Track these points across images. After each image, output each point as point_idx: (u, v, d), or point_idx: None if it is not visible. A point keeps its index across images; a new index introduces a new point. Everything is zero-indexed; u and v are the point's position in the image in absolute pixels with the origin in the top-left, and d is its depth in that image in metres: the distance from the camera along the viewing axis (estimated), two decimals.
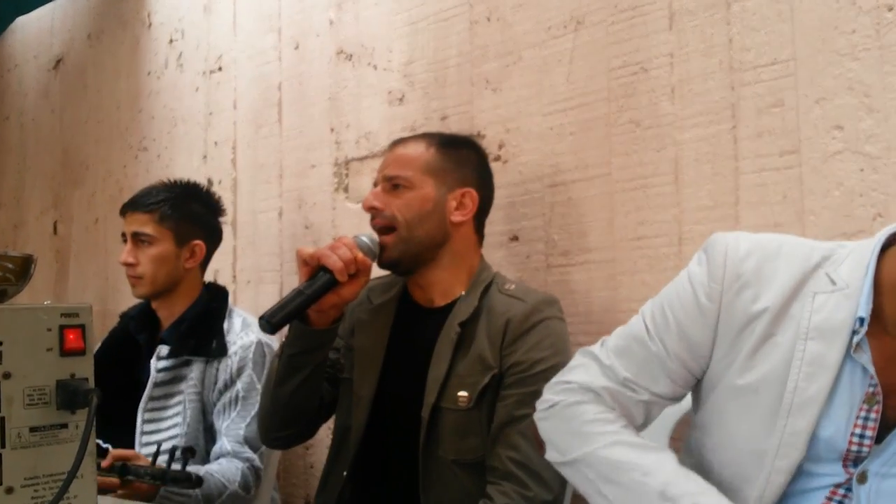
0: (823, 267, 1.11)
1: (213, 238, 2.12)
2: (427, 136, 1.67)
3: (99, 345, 2.11)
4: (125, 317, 2.13)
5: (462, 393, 1.49)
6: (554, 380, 1.25)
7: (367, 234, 1.57)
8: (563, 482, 1.48)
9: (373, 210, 1.59)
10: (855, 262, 1.09)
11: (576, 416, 1.18)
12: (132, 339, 2.08)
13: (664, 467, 1.11)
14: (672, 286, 1.21)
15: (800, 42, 1.53)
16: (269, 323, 1.43)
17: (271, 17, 2.55)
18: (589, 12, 1.82)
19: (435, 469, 1.49)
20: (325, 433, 2.24)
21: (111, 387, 1.99)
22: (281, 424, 1.64)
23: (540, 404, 1.25)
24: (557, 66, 1.87)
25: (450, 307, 1.59)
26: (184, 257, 2.02)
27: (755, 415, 1.10)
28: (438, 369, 1.51)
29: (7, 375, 0.92)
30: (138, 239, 2.00)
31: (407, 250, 1.57)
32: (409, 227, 1.56)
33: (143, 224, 2.00)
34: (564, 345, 1.54)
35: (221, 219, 2.16)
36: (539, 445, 1.26)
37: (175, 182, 2.12)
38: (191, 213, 2.04)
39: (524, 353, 1.49)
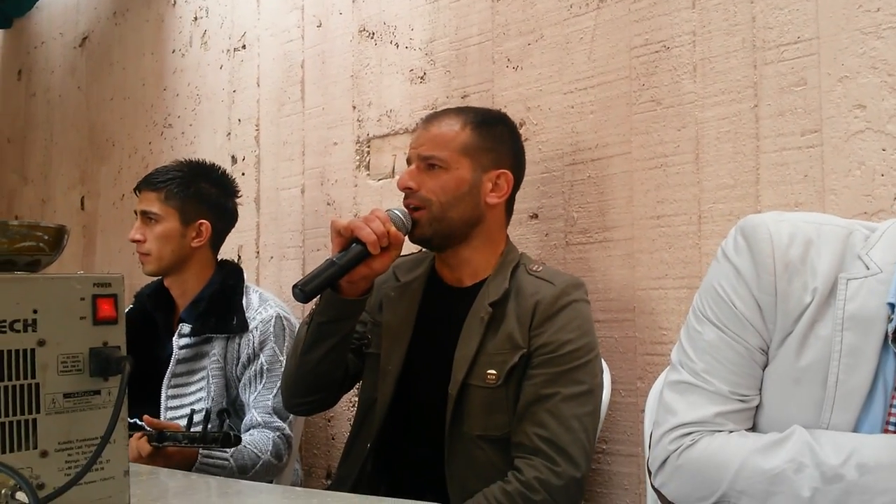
0: (858, 250, 1.07)
1: (223, 218, 2.11)
2: (462, 113, 1.63)
3: None
4: (140, 295, 2.14)
5: (491, 371, 1.50)
6: (654, 434, 1.17)
7: (400, 209, 1.57)
8: (589, 457, 1.48)
9: (408, 190, 1.58)
10: (887, 244, 1.06)
11: (695, 458, 1.11)
12: (149, 317, 2.09)
13: (805, 450, 1.03)
14: (720, 280, 1.14)
15: (823, 20, 1.51)
16: (303, 291, 1.43)
17: None
18: None
19: (460, 443, 1.50)
20: (346, 406, 2.27)
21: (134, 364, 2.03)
22: (305, 391, 1.65)
23: (652, 466, 1.17)
24: (579, 45, 1.85)
25: (478, 287, 1.59)
26: (190, 236, 2.02)
27: (802, 405, 1.08)
28: (468, 347, 1.52)
29: (42, 343, 0.93)
30: (146, 216, 2.01)
31: (439, 229, 1.57)
32: (444, 209, 1.56)
33: (151, 202, 2.01)
34: (590, 327, 1.54)
35: (238, 199, 2.15)
36: None
37: (188, 162, 2.12)
38: (198, 192, 2.04)
39: (552, 335, 1.49)
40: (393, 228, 1.50)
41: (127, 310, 2.13)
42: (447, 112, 1.66)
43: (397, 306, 1.64)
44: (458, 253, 1.61)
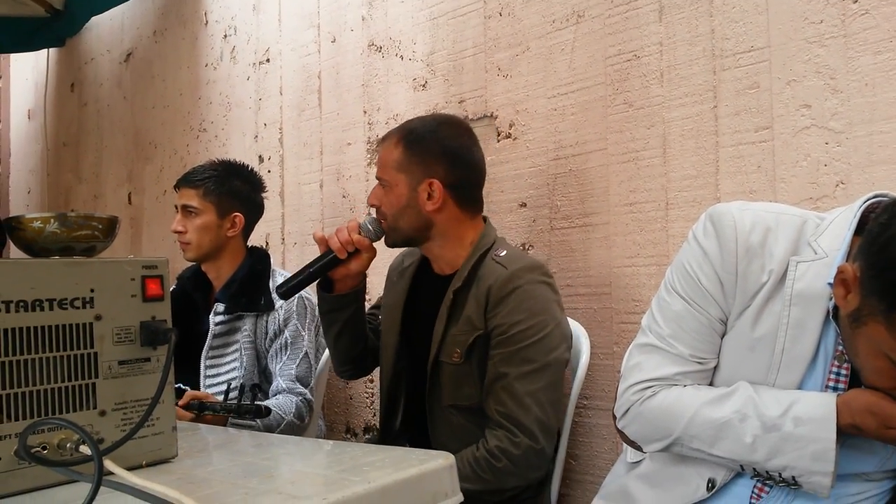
0: (809, 237, 1.08)
1: (253, 211, 2.10)
2: (399, 133, 1.58)
3: None
4: (181, 277, 2.14)
5: (456, 349, 1.48)
6: (621, 388, 1.18)
7: (373, 217, 1.59)
8: (551, 436, 1.44)
9: (372, 206, 1.60)
10: (834, 232, 1.06)
11: (654, 407, 1.12)
12: (189, 296, 2.09)
13: (749, 403, 1.05)
14: (689, 260, 1.14)
15: (774, 31, 1.50)
16: (279, 293, 1.57)
17: (311, 15, 2.53)
18: (588, 7, 1.79)
19: (438, 412, 1.51)
20: None
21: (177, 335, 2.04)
22: (338, 363, 1.72)
23: (617, 412, 1.18)
24: (560, 55, 1.84)
25: (452, 276, 1.56)
26: (225, 227, 2.01)
27: (754, 369, 1.09)
28: (438, 329, 1.52)
29: (98, 318, 0.93)
30: (186, 210, 2.01)
31: (397, 237, 1.58)
32: (395, 219, 1.55)
33: (191, 198, 2.00)
34: (543, 306, 1.45)
35: (264, 193, 2.14)
36: (631, 445, 1.21)
37: (221, 161, 2.10)
38: (232, 189, 2.03)
39: (503, 317, 1.44)
40: (357, 236, 1.53)
41: (171, 289, 2.14)
42: (390, 133, 1.60)
43: (395, 288, 1.67)
44: (428, 249, 1.61)
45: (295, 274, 1.57)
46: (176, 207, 2.05)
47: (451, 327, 1.49)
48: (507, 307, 1.44)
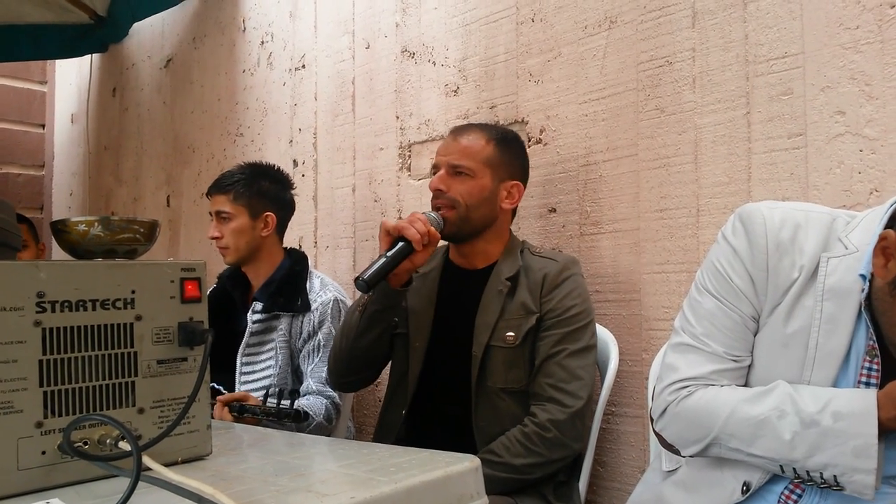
0: (839, 233, 1.08)
1: (284, 208, 2.13)
2: (485, 130, 1.66)
3: None
4: (221, 277, 2.18)
5: (510, 333, 1.55)
6: (657, 389, 1.19)
7: (432, 213, 1.60)
8: (590, 394, 1.52)
9: (438, 191, 1.62)
10: (865, 228, 1.05)
11: (690, 407, 1.12)
12: (228, 295, 2.13)
13: (787, 400, 1.04)
14: (719, 258, 1.15)
15: (808, 37, 1.49)
16: (366, 282, 1.46)
17: (346, 22, 2.56)
18: (621, 12, 1.79)
19: (485, 396, 1.54)
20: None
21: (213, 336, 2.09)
22: (356, 370, 1.69)
23: (654, 413, 1.18)
24: (592, 61, 1.85)
25: (490, 268, 1.64)
26: (259, 228, 2.05)
27: (788, 365, 1.08)
28: (489, 315, 1.56)
29: (139, 318, 0.96)
30: (220, 216, 2.05)
31: (463, 227, 1.61)
32: (469, 209, 1.60)
33: (223, 203, 2.04)
34: (587, 295, 1.61)
35: (294, 191, 2.16)
36: (669, 449, 1.21)
37: (248, 164, 2.13)
38: (260, 189, 2.06)
39: (559, 301, 1.56)
40: (432, 228, 1.54)
41: (210, 290, 2.19)
42: (472, 127, 1.68)
43: (420, 292, 1.68)
44: (474, 245, 1.66)
45: (373, 264, 1.49)
46: (210, 214, 2.09)
47: (505, 313, 1.56)
48: (563, 293, 1.56)
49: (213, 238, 2.07)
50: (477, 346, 1.55)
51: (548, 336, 1.54)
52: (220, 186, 2.06)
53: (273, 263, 2.08)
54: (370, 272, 1.47)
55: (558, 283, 1.57)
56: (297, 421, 1.60)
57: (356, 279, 1.47)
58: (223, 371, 1.99)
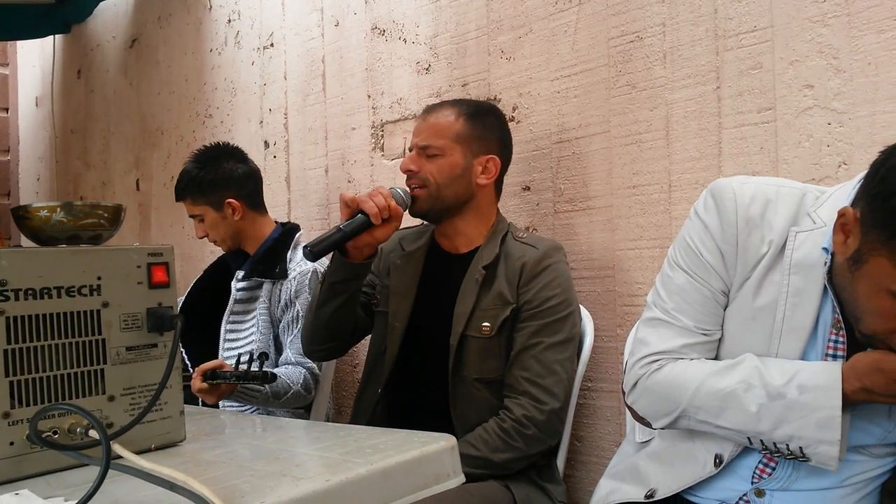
0: (809, 208, 1.09)
1: (244, 186, 2.10)
2: (456, 105, 1.63)
3: (201, 273, 2.27)
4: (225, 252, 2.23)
5: (485, 324, 1.52)
6: (629, 362, 1.20)
7: (402, 187, 1.58)
8: (568, 393, 1.51)
9: (409, 172, 1.60)
10: (834, 203, 1.06)
11: (660, 380, 1.13)
12: (227, 266, 2.18)
13: (754, 373, 1.05)
14: (690, 234, 1.16)
15: (777, 11, 1.49)
16: (312, 252, 1.45)
17: None
18: None
19: (462, 386, 1.53)
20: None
21: (205, 306, 2.10)
22: (321, 339, 1.68)
23: (626, 387, 1.19)
24: (563, 37, 1.84)
25: (472, 253, 1.61)
26: (228, 215, 2.08)
27: (757, 338, 1.09)
28: (465, 304, 1.54)
29: (106, 304, 0.95)
30: (194, 218, 2.12)
31: (435, 205, 1.60)
32: (440, 188, 1.58)
33: (189, 208, 2.11)
34: (569, 284, 1.56)
35: (249, 164, 2.14)
36: (640, 422, 1.22)
37: (194, 156, 2.12)
38: (213, 181, 2.06)
39: (537, 292, 1.52)
40: (393, 203, 1.51)
41: (213, 262, 2.30)
42: (443, 104, 1.66)
43: (403, 271, 1.66)
44: (454, 224, 1.63)
45: (325, 234, 1.48)
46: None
47: (481, 302, 1.53)
48: (541, 283, 1.52)
49: (200, 238, 2.15)
50: (453, 336, 1.53)
51: (525, 327, 1.51)
52: (179, 193, 2.12)
53: (260, 238, 2.12)
54: (318, 242, 1.45)
55: (537, 273, 1.52)
56: (266, 381, 1.60)
57: (304, 247, 1.47)
58: (213, 338, 2.05)
